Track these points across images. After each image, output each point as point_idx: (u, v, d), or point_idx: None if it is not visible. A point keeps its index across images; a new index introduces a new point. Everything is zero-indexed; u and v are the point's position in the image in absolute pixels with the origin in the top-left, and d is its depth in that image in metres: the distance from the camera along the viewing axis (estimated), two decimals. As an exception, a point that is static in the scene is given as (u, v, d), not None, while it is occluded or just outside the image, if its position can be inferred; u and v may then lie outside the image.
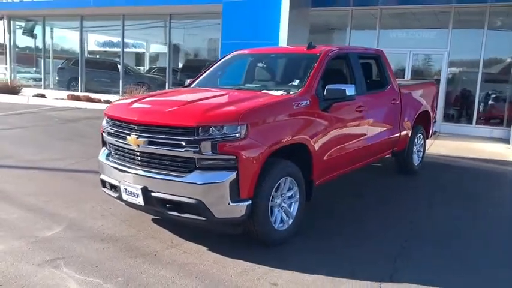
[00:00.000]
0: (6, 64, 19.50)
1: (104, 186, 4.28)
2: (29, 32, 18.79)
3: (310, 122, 4.22)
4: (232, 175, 3.49)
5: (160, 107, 3.97)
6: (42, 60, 18.59)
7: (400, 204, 5.43)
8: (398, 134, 6.01)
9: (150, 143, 3.69)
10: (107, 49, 18.39)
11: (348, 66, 5.15)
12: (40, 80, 18.95)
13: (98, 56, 18.64)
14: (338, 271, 3.47)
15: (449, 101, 11.71)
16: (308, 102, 4.23)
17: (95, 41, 18.58)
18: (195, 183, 3.50)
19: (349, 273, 3.44)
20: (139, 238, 4.06)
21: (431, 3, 11.22)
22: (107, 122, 4.18)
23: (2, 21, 18.82)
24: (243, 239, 3.93)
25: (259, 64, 5.46)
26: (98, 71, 17.63)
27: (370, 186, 6.22)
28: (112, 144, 4.14)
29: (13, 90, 16.10)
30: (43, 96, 15.89)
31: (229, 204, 3.51)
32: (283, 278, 3.35)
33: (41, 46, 18.67)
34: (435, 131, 7.63)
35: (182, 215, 3.65)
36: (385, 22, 12.09)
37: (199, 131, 3.49)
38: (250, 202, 3.59)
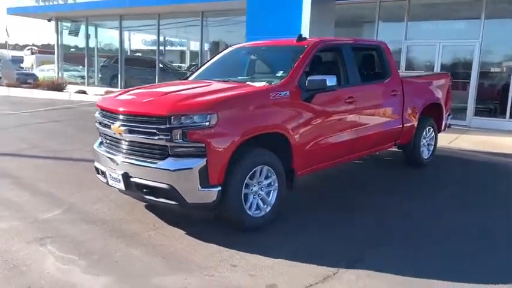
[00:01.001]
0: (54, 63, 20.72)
1: (98, 173, 4.58)
2: (74, 32, 19.86)
3: (289, 112, 4.31)
4: (202, 162, 3.66)
5: (141, 98, 4.20)
6: (86, 59, 19.59)
7: (393, 195, 5.37)
8: (400, 126, 5.94)
9: (130, 132, 3.94)
10: (149, 47, 19.11)
11: (339, 58, 5.17)
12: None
13: (139, 54, 19.41)
14: (301, 256, 3.55)
15: (481, 95, 11.23)
16: (288, 93, 4.31)
17: (141, 40, 19.43)
18: (168, 170, 3.70)
19: (310, 259, 3.51)
20: (126, 221, 4.32)
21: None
22: (99, 113, 4.47)
23: (51, 23, 19.99)
24: (226, 226, 4.08)
25: (252, 57, 5.58)
26: (136, 69, 18.36)
27: (373, 177, 6.19)
28: (102, 133, 4.43)
29: (58, 87, 17.13)
30: (84, 92, 16.79)
31: (199, 189, 3.69)
32: (245, 261, 3.48)
33: (85, 45, 19.67)
34: (448, 124, 7.40)
35: (157, 199, 3.87)
36: (413, 13, 11.77)
37: (171, 119, 3.68)
38: (220, 188, 3.75)
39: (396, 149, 6.58)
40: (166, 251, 3.66)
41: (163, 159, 3.76)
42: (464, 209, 4.89)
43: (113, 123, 4.08)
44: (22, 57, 38.01)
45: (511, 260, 3.64)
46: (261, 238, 3.95)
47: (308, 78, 4.41)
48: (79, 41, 20.05)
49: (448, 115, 7.28)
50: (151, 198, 3.90)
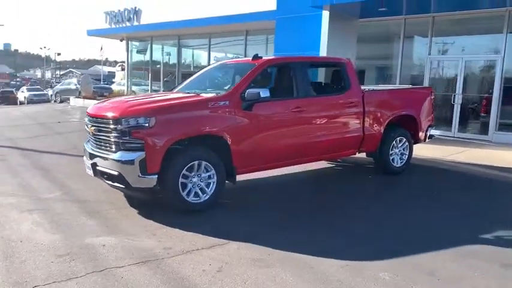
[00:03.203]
0: (124, 78, 23.22)
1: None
2: (142, 51, 22.16)
3: (227, 118, 5.21)
4: (141, 155, 4.71)
5: (109, 105, 5.37)
6: (150, 74, 21.76)
7: (345, 197, 6.01)
8: (360, 135, 6.52)
9: (97, 130, 5.12)
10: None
11: (290, 74, 5.96)
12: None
13: (193, 70, 21.17)
14: (211, 233, 4.39)
15: (504, 110, 11.07)
16: (227, 103, 5.23)
17: (201, 56, 21.22)
18: (118, 160, 4.81)
19: (216, 234, 4.36)
20: (101, 203, 5.46)
21: (485, 8, 10.84)
22: (86, 117, 5.72)
23: (123, 42, 22.53)
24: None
25: (219, 73, 6.55)
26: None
27: (337, 179, 6.85)
28: (87, 132, 5.67)
29: (123, 99, 19.25)
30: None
31: (139, 176, 4.74)
32: (164, 232, 4.44)
33: (150, 62, 21.87)
34: (431, 135, 7.73)
35: (113, 184, 4.99)
36: (437, 28, 11.95)
37: (122, 121, 4.79)
38: (156, 176, 4.77)
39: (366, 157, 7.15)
40: (112, 222, 4.74)
41: (116, 152, 4.87)
42: (384, 205, 5.49)
43: (89, 124, 5.30)
44: (114, 72, 42.16)
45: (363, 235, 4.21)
46: (193, 219, 4.86)
47: (247, 91, 5.29)
48: (145, 58, 22.33)
49: (429, 126, 7.61)
50: (109, 182, 5.03)
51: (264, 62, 5.76)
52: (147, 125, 4.73)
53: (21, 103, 31.88)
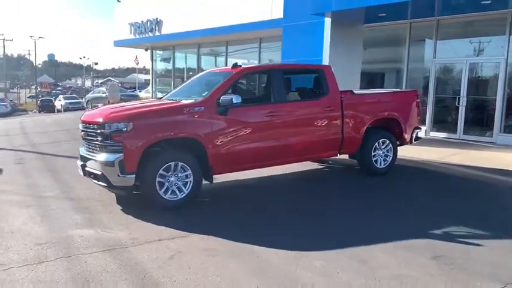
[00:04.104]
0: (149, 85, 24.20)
1: (82, 166, 6.42)
2: (166, 59, 23.06)
3: (202, 122, 5.68)
4: (120, 156, 5.24)
5: (97, 112, 5.94)
6: (172, 81, 22.60)
7: (317, 197, 6.34)
8: (339, 137, 6.83)
9: (86, 135, 5.71)
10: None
11: (265, 81, 6.38)
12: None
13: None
14: (180, 226, 4.84)
15: (508, 111, 11.02)
16: (203, 108, 5.70)
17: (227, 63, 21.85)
18: (100, 161, 5.37)
19: (184, 228, 4.79)
20: (92, 200, 6.03)
21: (487, 10, 10.86)
22: (80, 124, 6.32)
23: (147, 52, 23.54)
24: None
25: (204, 80, 7.00)
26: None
27: (320, 182, 7.17)
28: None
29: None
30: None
31: (118, 175, 5.27)
32: (137, 225, 4.94)
33: (172, 70, 22.73)
34: (418, 137, 7.92)
35: (98, 182, 5.55)
36: (441, 32, 12.02)
37: (105, 126, 5.34)
38: (134, 176, 5.29)
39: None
40: (96, 217, 5.28)
41: (100, 154, 5.43)
42: (351, 204, 5.77)
43: (80, 129, 5.90)
44: (149, 80, 43.62)
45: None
46: (168, 215, 5.33)
47: (221, 97, 5.74)
48: (168, 66, 23.25)
49: (416, 128, 7.81)
50: (95, 181, 5.59)
51: (241, 71, 6.20)
52: (125, 129, 5.26)
53: (58, 111, 33.63)
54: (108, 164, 5.29)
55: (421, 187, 6.87)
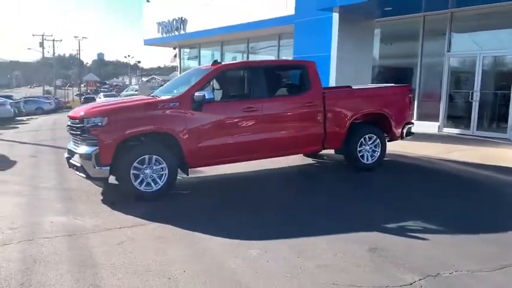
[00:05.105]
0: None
1: (75, 159, 6.84)
2: (193, 58, 23.58)
3: (176, 117, 5.92)
4: (96, 149, 5.58)
5: (81, 108, 6.31)
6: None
7: (293, 191, 6.45)
8: (322, 132, 6.88)
9: (70, 129, 6.10)
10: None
11: (244, 77, 6.54)
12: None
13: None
14: (144, 216, 5.13)
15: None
16: (177, 104, 5.95)
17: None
18: (79, 153, 5.73)
19: (148, 217, 5.06)
20: (81, 191, 6.40)
21: (502, 1, 10.46)
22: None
23: (175, 50, 24.15)
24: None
25: (189, 77, 7.21)
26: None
27: (303, 176, 7.26)
28: (69, 132, 6.69)
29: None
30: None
31: (94, 167, 5.61)
32: (108, 214, 5.26)
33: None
34: (409, 132, 7.81)
35: (79, 174, 5.92)
36: (455, 25, 11.68)
37: (84, 121, 5.70)
38: (109, 167, 5.62)
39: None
40: (74, 206, 5.65)
41: (80, 147, 5.80)
42: (320, 199, 5.86)
43: (67, 124, 6.31)
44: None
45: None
46: (140, 205, 5.62)
47: (195, 93, 5.96)
48: (195, 64, 23.75)
49: (407, 124, 7.71)
50: (77, 173, 5.97)
51: (218, 68, 6.40)
52: (100, 124, 5.60)
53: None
54: (85, 156, 5.64)
55: (403, 182, 6.83)
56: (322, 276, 3.53)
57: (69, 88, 73.05)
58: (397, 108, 7.56)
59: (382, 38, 13.06)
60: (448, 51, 11.85)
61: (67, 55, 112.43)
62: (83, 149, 5.72)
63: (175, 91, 6.58)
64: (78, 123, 5.81)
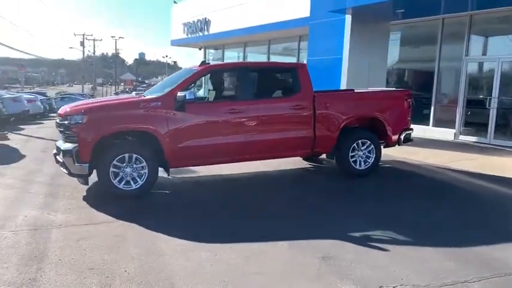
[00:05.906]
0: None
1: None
2: (217, 59, 23.73)
3: (157, 117, 5.95)
4: (76, 146, 5.69)
5: (67, 106, 6.42)
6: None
7: (274, 196, 6.35)
8: (311, 136, 6.74)
9: (57, 125, 6.25)
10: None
11: (229, 78, 6.50)
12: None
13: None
14: (120, 215, 5.17)
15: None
16: (159, 103, 5.98)
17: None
18: (62, 150, 5.87)
19: (126, 218, 5.06)
20: (68, 187, 6.51)
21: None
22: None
23: (201, 51, 24.42)
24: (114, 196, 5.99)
25: (178, 77, 7.22)
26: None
27: (292, 182, 7.15)
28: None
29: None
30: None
31: (75, 164, 5.73)
32: (85, 211, 5.35)
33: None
34: (408, 139, 7.52)
35: (63, 170, 6.06)
36: (474, 29, 11.21)
37: (67, 118, 5.84)
38: (88, 165, 5.71)
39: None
40: (55, 201, 5.77)
41: (64, 144, 5.94)
42: (299, 206, 5.74)
43: (56, 121, 6.47)
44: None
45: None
46: (116, 203, 5.67)
47: (177, 94, 5.97)
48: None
49: (405, 130, 7.44)
50: (61, 169, 6.10)
51: (204, 69, 6.40)
52: (81, 121, 5.71)
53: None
54: (67, 153, 5.76)
55: (391, 191, 6.59)
56: (257, 284, 3.45)
57: (109, 86, 75.41)
58: (393, 114, 7.32)
59: (399, 41, 12.69)
60: (467, 55, 11.38)
61: (109, 54, 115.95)
62: (66, 145, 5.85)
63: (165, 90, 6.60)
64: (63, 120, 5.94)
